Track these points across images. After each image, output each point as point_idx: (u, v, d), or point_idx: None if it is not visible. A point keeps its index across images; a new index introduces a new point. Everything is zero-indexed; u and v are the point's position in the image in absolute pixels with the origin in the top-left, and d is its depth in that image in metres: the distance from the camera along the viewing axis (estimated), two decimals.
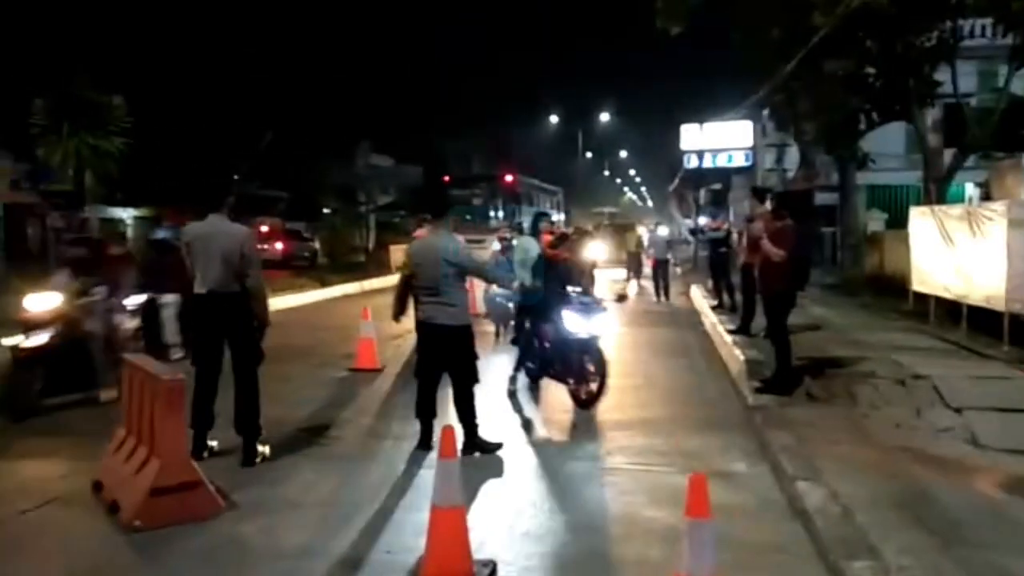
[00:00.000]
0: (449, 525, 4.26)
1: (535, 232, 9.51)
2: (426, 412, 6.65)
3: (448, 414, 6.78)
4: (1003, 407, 7.49)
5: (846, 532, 4.83)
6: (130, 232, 29.04)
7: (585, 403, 8.04)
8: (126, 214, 28.76)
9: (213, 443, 6.28)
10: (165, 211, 26.68)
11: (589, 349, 8.13)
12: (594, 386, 8.02)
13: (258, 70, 28.01)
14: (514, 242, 11.30)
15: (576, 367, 8.16)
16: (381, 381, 9.42)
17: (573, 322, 8.15)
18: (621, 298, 16.26)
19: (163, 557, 4.64)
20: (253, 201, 27.31)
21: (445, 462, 4.28)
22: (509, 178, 28.35)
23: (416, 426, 6.70)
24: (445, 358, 6.59)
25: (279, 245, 31.25)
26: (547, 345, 8.55)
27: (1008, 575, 4.30)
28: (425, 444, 6.57)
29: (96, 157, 13.24)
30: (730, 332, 11.47)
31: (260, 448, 6.34)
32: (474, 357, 6.68)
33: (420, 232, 10.37)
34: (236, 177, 20.22)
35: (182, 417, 5.09)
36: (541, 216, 10.09)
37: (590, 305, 8.37)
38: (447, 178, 29.09)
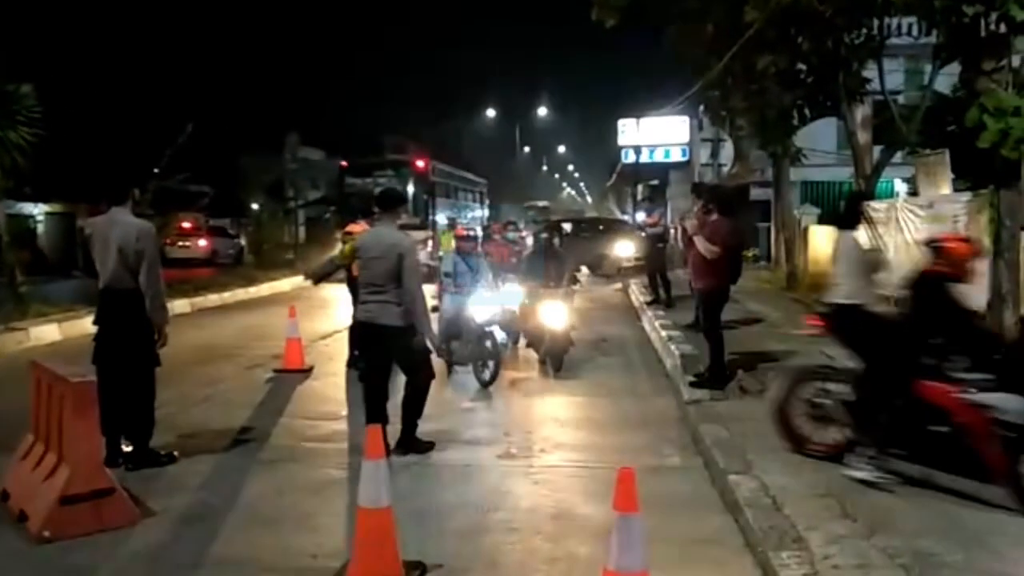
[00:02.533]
0: (376, 526, 4.13)
1: (850, 220, 6.44)
2: (378, 417, 6.13)
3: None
4: None
5: (775, 523, 4.85)
6: (41, 228, 27.99)
7: None
8: (37, 210, 27.62)
9: (128, 448, 6.02)
10: (80, 207, 25.58)
11: None
12: None
13: (179, 58, 27.10)
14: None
15: None
16: (308, 382, 9.23)
17: None
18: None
19: (75, 569, 4.41)
20: (174, 196, 26.16)
21: (371, 462, 4.15)
22: (420, 163, 24.37)
23: (344, 426, 6.53)
24: (392, 359, 6.30)
25: (203, 242, 30.44)
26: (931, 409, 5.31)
27: (929, 559, 4.36)
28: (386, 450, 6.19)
29: (2, 149, 12.59)
30: (686, 328, 11.23)
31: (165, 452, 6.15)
32: (426, 352, 6.42)
33: (354, 228, 10.05)
34: (156, 171, 19.45)
35: (93, 421, 4.85)
36: (857, 198, 7.24)
37: None
38: (344, 163, 25.00)
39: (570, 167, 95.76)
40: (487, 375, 8.76)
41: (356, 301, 9.19)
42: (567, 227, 26.24)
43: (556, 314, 9.63)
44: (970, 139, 8.84)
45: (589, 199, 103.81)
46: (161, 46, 26.63)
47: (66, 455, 4.82)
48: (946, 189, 11.14)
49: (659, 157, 31.00)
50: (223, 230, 33.16)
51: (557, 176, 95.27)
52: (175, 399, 7.93)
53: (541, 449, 6.73)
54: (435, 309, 8.78)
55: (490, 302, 9.04)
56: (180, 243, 28.87)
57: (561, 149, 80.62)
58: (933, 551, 4.47)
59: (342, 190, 24.44)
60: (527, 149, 67.35)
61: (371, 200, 7.42)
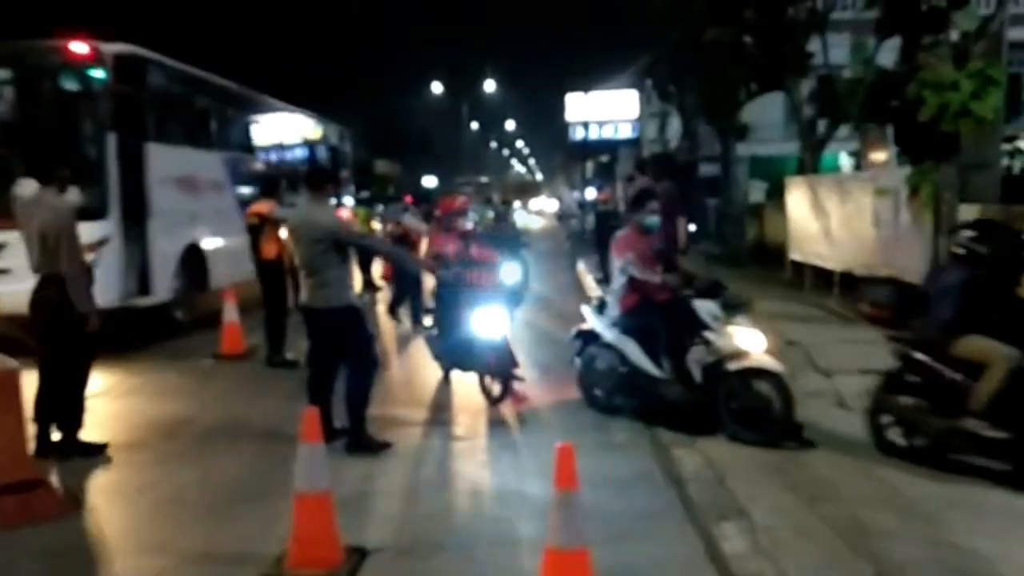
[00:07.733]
0: (314, 511, 4.06)
1: None
2: (319, 402, 5.70)
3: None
4: (867, 369, 7.76)
5: (718, 496, 4.89)
6: None
7: None
8: None
9: (58, 437, 5.80)
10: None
11: None
12: None
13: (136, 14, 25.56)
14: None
15: None
16: (247, 367, 8.98)
17: None
18: None
19: (2, 561, 4.25)
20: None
21: (307, 445, 4.06)
22: (81, 49, 9.31)
23: (285, 410, 6.37)
24: (332, 344, 6.03)
25: None
26: None
27: (866, 527, 4.43)
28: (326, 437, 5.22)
29: None
30: None
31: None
32: (367, 339, 6.15)
33: (260, 207, 9.26)
34: None
35: (17, 410, 4.64)
36: None
37: None
38: None
39: (519, 143, 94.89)
40: None
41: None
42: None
43: None
44: (912, 113, 8.94)
45: (539, 176, 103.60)
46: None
47: None
48: (887, 163, 11.31)
49: (608, 134, 30.78)
50: None
51: (507, 153, 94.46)
52: (110, 387, 7.68)
53: (486, 430, 6.65)
54: None
55: None
56: None
57: (510, 125, 79.41)
58: (870, 519, 4.54)
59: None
60: (475, 125, 66.25)
61: None
